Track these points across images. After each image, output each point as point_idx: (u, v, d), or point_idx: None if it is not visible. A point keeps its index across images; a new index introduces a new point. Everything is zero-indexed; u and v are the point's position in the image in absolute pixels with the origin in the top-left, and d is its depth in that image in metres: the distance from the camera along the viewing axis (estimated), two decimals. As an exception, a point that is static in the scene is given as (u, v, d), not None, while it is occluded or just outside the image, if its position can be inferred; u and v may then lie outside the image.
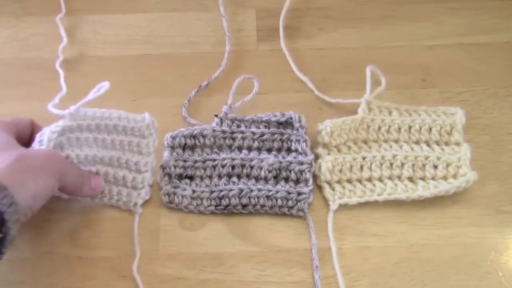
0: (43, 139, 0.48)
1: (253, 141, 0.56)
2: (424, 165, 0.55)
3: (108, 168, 0.51)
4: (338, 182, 0.55)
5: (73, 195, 0.50)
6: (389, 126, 0.57)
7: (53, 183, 0.45)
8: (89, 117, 0.51)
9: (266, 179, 0.54)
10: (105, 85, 0.50)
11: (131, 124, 0.53)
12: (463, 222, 0.54)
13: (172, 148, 0.55)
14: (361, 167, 0.55)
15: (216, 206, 0.53)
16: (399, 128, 0.57)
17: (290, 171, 0.54)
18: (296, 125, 0.56)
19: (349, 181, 0.55)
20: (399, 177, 0.55)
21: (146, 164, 0.53)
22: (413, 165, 0.55)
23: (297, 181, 0.54)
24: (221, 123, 0.56)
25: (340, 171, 0.55)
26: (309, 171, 0.54)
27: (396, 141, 0.57)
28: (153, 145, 0.54)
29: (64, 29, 0.64)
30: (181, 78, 0.62)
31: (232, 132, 0.56)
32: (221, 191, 0.53)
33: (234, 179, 0.55)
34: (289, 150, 0.56)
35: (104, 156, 0.51)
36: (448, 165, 0.55)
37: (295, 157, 0.55)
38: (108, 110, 0.53)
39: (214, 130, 0.56)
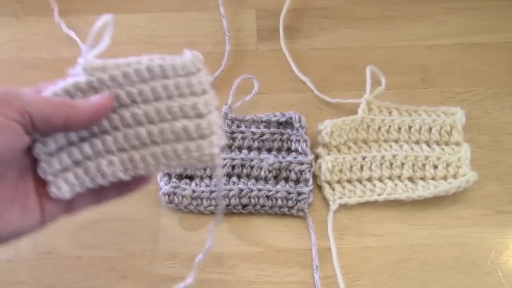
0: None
1: (253, 141, 0.56)
2: (424, 165, 0.55)
3: (161, 125, 0.38)
4: (338, 182, 0.55)
5: (64, 129, 0.36)
6: (389, 126, 0.57)
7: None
8: (110, 68, 0.39)
9: (266, 179, 0.54)
10: (108, 19, 0.41)
11: (169, 61, 0.39)
12: (463, 222, 0.54)
13: (172, 148, 0.55)
14: (361, 167, 0.55)
15: (216, 206, 0.53)
16: (399, 128, 0.57)
17: (290, 171, 0.54)
18: (296, 125, 0.56)
19: (349, 181, 0.55)
20: (399, 177, 0.55)
21: (207, 104, 0.39)
22: (413, 165, 0.55)
23: (297, 181, 0.54)
24: (221, 123, 0.57)
25: (340, 171, 0.55)
26: (309, 171, 0.54)
27: (396, 141, 0.57)
28: (207, 80, 0.40)
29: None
30: (181, 78, 0.62)
31: (232, 132, 0.56)
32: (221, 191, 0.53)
33: (234, 179, 0.54)
34: (289, 150, 0.56)
35: (148, 111, 0.38)
36: (448, 165, 0.55)
37: (295, 157, 0.55)
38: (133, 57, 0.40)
39: (214, 130, 0.56)
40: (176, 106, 0.38)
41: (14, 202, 0.35)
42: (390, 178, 0.55)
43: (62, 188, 0.37)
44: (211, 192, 0.53)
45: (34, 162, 0.37)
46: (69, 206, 0.39)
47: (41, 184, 0.37)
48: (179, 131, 0.38)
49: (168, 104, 0.38)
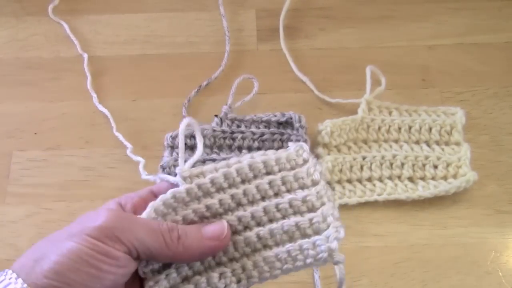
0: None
1: (253, 141, 0.56)
2: (424, 165, 0.55)
3: (271, 225, 0.35)
4: (338, 182, 0.55)
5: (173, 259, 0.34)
6: (389, 126, 0.57)
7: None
8: (209, 171, 0.36)
9: (266, 179, 0.54)
10: (189, 121, 0.37)
11: (272, 156, 0.37)
12: (463, 222, 0.54)
13: (172, 148, 0.55)
14: (361, 167, 0.55)
15: None
16: (399, 128, 0.57)
17: (290, 171, 0.54)
18: (296, 125, 0.56)
19: (349, 181, 0.55)
20: (399, 177, 0.55)
21: (319, 195, 0.36)
22: (413, 165, 0.55)
23: (297, 181, 0.54)
24: (221, 123, 0.56)
25: (340, 171, 0.55)
26: (309, 171, 0.54)
27: (396, 141, 0.57)
28: (317, 170, 0.37)
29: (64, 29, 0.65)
30: (181, 78, 0.62)
31: (232, 132, 0.56)
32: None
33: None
34: (289, 150, 0.56)
35: (255, 212, 0.35)
36: (448, 165, 0.55)
37: (295, 157, 0.55)
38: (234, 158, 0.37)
39: (214, 130, 0.56)
40: (286, 202, 0.35)
41: None
42: (390, 178, 0.55)
43: None
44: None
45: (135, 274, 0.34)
46: None
47: None
48: (291, 228, 0.35)
49: (277, 202, 0.35)
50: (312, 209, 0.35)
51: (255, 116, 0.57)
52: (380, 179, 0.55)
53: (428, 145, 0.57)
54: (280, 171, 0.36)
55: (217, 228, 0.34)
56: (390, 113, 0.58)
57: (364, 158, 0.55)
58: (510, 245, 0.53)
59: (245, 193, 0.35)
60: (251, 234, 0.35)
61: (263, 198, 0.35)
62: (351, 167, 0.55)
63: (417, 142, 0.57)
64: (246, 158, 0.36)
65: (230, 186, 0.35)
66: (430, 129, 0.57)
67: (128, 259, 0.32)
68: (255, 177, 0.36)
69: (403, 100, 0.60)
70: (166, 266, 0.35)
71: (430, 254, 0.52)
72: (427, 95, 0.61)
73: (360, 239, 0.53)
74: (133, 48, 0.64)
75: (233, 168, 0.35)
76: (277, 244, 0.35)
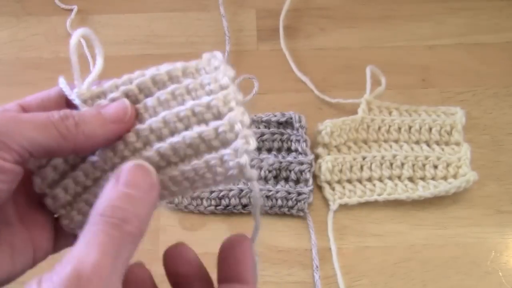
0: None
1: (253, 141, 0.56)
2: (424, 165, 0.55)
3: (172, 139, 0.29)
4: (338, 182, 0.55)
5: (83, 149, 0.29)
6: (389, 126, 0.57)
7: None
8: (109, 90, 0.32)
9: (266, 179, 0.54)
10: (84, 31, 0.34)
11: (179, 66, 0.32)
12: (463, 222, 0.54)
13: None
14: (361, 167, 0.55)
15: (216, 206, 0.53)
16: (399, 128, 0.57)
17: (290, 171, 0.54)
18: (296, 125, 0.56)
19: (349, 181, 0.55)
20: (399, 177, 0.55)
21: (227, 99, 0.30)
22: (413, 165, 0.55)
23: (297, 181, 0.54)
24: (221, 123, 0.56)
25: (340, 171, 0.55)
26: (309, 171, 0.54)
27: (396, 141, 0.57)
28: (227, 75, 0.32)
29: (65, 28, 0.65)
30: (181, 78, 0.62)
31: (232, 132, 0.56)
32: (221, 191, 0.53)
33: (234, 179, 0.54)
34: (289, 150, 0.56)
35: (155, 125, 0.30)
36: (448, 165, 0.55)
37: (295, 157, 0.55)
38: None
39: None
40: (188, 108, 0.30)
41: None
42: (390, 178, 0.55)
43: (76, 219, 0.32)
44: (211, 192, 0.53)
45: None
46: (57, 243, 0.33)
47: (30, 217, 0.31)
48: (195, 141, 0.29)
49: (178, 110, 0.30)
50: (218, 117, 0.30)
51: (255, 116, 0.57)
52: (380, 179, 0.55)
53: (428, 145, 0.57)
54: (186, 77, 0.32)
55: (119, 108, 0.30)
56: (390, 113, 0.58)
57: (364, 158, 0.55)
58: (510, 245, 0.53)
59: (145, 108, 0.30)
60: (151, 153, 0.29)
61: (165, 110, 0.31)
62: (351, 167, 0.55)
63: (417, 142, 0.57)
64: (150, 71, 0.32)
65: (134, 103, 0.31)
66: (430, 129, 0.57)
67: (16, 171, 0.27)
68: (159, 89, 0.31)
69: (403, 100, 0.60)
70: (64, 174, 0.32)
71: (430, 254, 0.52)
72: (427, 95, 0.61)
73: (360, 239, 0.53)
74: (133, 48, 0.64)
75: (134, 85, 0.31)
76: (182, 161, 0.30)
